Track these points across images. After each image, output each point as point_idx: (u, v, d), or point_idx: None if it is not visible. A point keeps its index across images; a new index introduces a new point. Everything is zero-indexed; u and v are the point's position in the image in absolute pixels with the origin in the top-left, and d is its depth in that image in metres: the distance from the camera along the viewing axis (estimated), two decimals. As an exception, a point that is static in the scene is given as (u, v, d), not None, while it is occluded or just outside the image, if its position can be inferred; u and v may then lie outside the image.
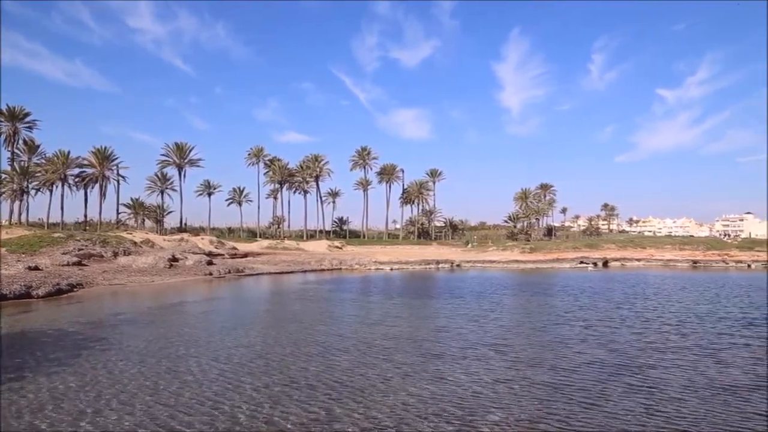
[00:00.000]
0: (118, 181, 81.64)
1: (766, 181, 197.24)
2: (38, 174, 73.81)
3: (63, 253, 38.53)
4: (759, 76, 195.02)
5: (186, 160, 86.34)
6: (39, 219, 76.57)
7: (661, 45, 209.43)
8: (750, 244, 69.61)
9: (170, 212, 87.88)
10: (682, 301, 25.75)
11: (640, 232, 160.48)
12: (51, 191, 75.61)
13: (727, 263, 57.76)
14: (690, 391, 10.86)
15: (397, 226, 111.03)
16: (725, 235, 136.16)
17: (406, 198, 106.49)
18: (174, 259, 43.05)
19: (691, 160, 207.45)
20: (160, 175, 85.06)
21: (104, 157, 77.34)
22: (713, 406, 9.90)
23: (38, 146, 77.35)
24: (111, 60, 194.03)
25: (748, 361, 13.45)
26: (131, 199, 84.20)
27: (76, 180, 78.21)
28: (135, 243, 48.98)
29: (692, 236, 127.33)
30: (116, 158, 79.76)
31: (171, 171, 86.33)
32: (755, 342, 15.96)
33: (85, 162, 77.47)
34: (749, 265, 56.00)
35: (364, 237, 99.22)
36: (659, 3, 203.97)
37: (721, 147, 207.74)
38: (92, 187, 79.14)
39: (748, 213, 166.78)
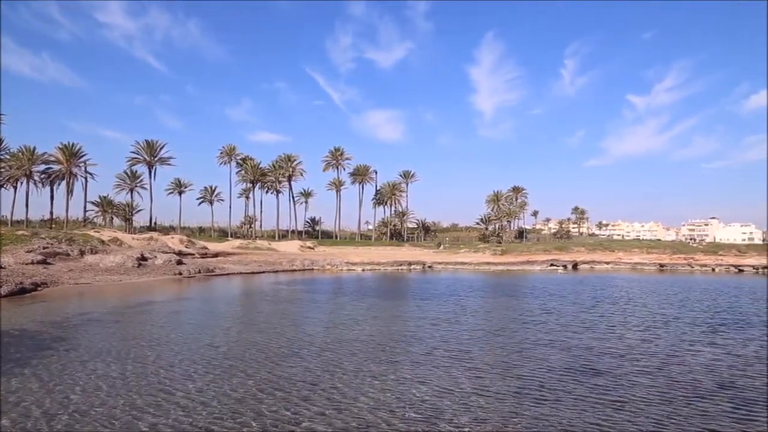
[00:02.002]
0: (85, 179, 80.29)
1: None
2: (2, 170, 71.94)
3: (27, 251, 37.58)
4: (724, 84, 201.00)
5: (156, 158, 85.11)
6: (3, 216, 74.62)
7: (631, 52, 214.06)
8: (714, 248, 71.43)
9: (140, 210, 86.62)
10: (648, 305, 26.27)
11: (609, 236, 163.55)
12: (15, 188, 73.82)
13: (693, 267, 59.16)
14: (653, 393, 11.12)
15: (370, 227, 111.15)
16: (691, 240, 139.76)
17: (379, 199, 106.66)
18: (143, 258, 42.35)
19: (659, 166, 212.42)
20: (129, 173, 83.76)
21: (72, 153, 75.76)
22: (676, 408, 10.16)
23: (1, 141, 75.39)
24: (80, 55, 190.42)
25: (713, 364, 13.82)
26: (99, 197, 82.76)
27: (42, 176, 76.49)
28: (102, 241, 48.06)
29: (659, 240, 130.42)
30: (84, 155, 78.35)
31: (141, 169, 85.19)
32: (719, 348, 16.36)
33: (52, 158, 75.78)
34: (713, 269, 57.45)
35: (336, 238, 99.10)
36: (629, 11, 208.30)
37: (687, 153, 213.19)
38: (59, 184, 77.52)
39: (713, 218, 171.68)
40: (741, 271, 55.52)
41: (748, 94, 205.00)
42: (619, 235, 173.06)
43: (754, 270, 55.30)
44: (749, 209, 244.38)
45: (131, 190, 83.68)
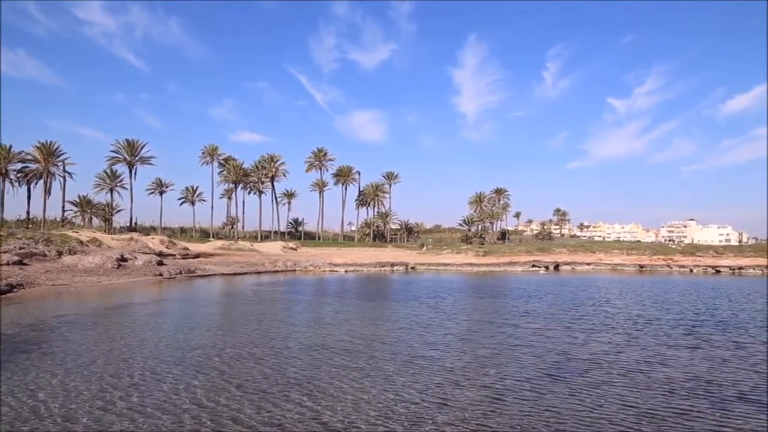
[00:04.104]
0: (64, 178, 79.15)
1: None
2: (-23, 168, 70.57)
3: (3, 252, 36.81)
4: (701, 89, 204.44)
5: (137, 158, 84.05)
6: (-22, 216, 73.19)
7: (612, 55, 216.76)
8: (692, 249, 72.51)
9: (120, 211, 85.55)
10: (627, 307, 26.49)
11: (590, 237, 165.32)
12: (-9, 187, 72.42)
13: (671, 268, 60.00)
14: (632, 394, 11.23)
15: (353, 228, 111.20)
16: (670, 241, 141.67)
17: (362, 200, 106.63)
18: (123, 259, 41.81)
19: (639, 168, 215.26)
20: (109, 173, 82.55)
21: (49, 152, 74.57)
22: (654, 405, 10.28)
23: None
24: (58, 52, 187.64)
25: (690, 365, 14.03)
26: (78, 197, 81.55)
27: (19, 175, 75.17)
28: (81, 242, 47.29)
29: (639, 241, 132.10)
30: (62, 154, 77.26)
31: (121, 168, 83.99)
32: (697, 350, 16.59)
33: (29, 157, 74.53)
34: (691, 270, 58.39)
35: (319, 239, 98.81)
36: (609, 15, 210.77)
37: (666, 156, 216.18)
38: (36, 184, 76.28)
39: (691, 219, 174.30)
40: (718, 271, 56.49)
41: (724, 99, 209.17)
42: (599, 236, 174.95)
43: (731, 271, 56.34)
44: (726, 211, 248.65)
45: (111, 190, 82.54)
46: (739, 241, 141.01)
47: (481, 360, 14.27)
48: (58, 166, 77.30)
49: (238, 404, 10.17)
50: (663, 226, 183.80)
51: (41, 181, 75.38)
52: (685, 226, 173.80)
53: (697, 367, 13.52)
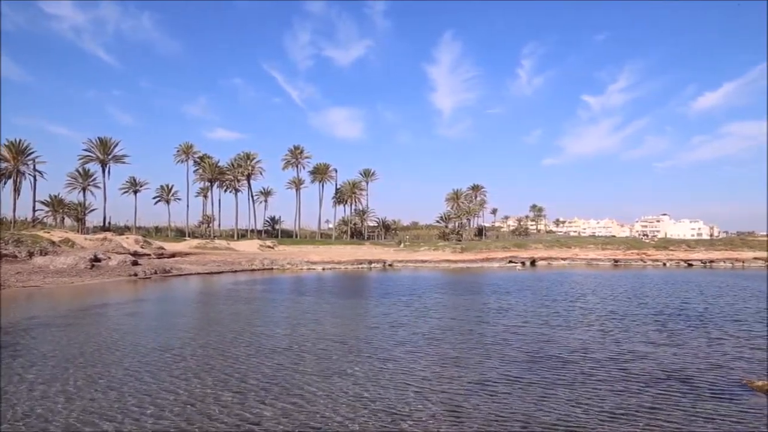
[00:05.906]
0: (34, 177, 77.47)
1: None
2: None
3: (-29, 254, 36.01)
4: (673, 86, 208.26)
5: (110, 156, 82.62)
6: (-56, 216, 71.30)
7: (585, 53, 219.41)
8: (665, 243, 74.03)
9: (93, 210, 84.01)
10: (602, 301, 26.88)
11: (566, 233, 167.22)
12: (-42, 187, 70.62)
13: (645, 262, 61.18)
14: (607, 389, 11.46)
15: (330, 225, 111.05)
16: (644, 236, 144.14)
17: (339, 198, 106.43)
18: (96, 260, 41.15)
19: (613, 164, 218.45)
20: (81, 172, 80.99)
21: (19, 150, 72.96)
22: (628, 402, 10.45)
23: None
24: (25, 47, 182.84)
25: (663, 358, 14.37)
26: (50, 196, 79.86)
27: (-13, 175, 73.40)
28: (53, 242, 46.46)
29: (614, 236, 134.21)
30: (32, 152, 75.60)
31: (94, 167, 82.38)
32: (672, 345, 17.02)
33: (-3, 156, 72.79)
34: (664, 264, 59.59)
35: (296, 237, 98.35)
36: (582, 13, 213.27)
37: (640, 152, 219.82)
38: (5, 183, 74.49)
39: (664, 214, 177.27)
40: (690, 265, 57.76)
41: (695, 96, 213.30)
42: (575, 231, 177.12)
43: (702, 264, 57.66)
44: (698, 206, 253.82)
45: (84, 189, 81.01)
46: (711, 235, 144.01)
47: (451, 361, 14.02)
48: (27, 164, 75.67)
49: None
50: (637, 221, 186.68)
51: (10, 181, 73.70)
52: (659, 221, 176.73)
53: (670, 362, 13.77)
